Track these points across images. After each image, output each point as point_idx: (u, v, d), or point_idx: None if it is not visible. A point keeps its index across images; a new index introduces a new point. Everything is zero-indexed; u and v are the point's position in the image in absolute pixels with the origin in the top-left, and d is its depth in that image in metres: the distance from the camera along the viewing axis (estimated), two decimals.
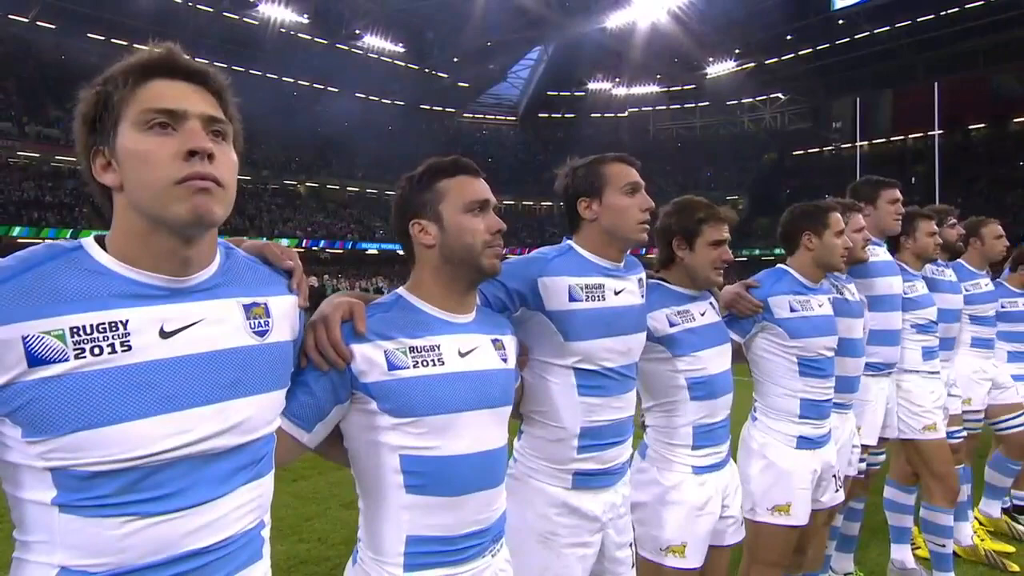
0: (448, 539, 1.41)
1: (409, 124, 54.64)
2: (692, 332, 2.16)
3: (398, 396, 1.37)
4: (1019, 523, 4.16)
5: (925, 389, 3.25)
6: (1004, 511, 4.25)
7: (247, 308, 1.14)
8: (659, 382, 2.19)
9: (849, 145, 44.57)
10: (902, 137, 46.26)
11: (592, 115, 63.20)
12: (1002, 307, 4.05)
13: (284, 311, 1.21)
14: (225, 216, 1.07)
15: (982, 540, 3.83)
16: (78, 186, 39.20)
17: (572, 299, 1.81)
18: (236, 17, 45.47)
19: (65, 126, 40.80)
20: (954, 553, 3.58)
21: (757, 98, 57.42)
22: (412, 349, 1.40)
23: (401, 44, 51.02)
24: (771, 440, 2.49)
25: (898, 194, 3.15)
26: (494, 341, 1.56)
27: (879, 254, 3.10)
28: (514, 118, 65.23)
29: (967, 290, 3.85)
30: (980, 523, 4.07)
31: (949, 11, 40.85)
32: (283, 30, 46.77)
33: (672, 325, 2.14)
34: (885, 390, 3.13)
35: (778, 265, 2.64)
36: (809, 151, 51.00)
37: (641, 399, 2.25)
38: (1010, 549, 3.81)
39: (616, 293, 1.89)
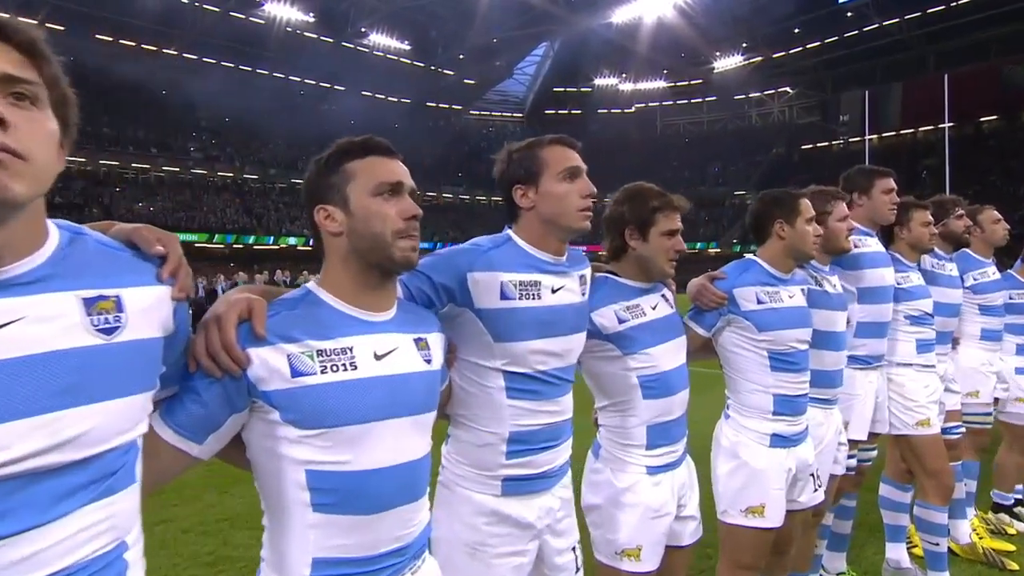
0: (361, 560, 1.25)
1: (415, 122, 54.65)
2: (642, 328, 2.05)
3: (303, 406, 1.21)
4: (1020, 519, 4.07)
5: (919, 383, 3.14)
6: (1004, 509, 4.14)
7: (89, 302, 0.96)
8: (610, 381, 2.08)
9: (858, 139, 44.22)
10: (912, 130, 45.86)
11: (599, 111, 63.05)
12: (1010, 299, 3.93)
13: (147, 304, 1.03)
14: (32, 194, 0.89)
15: (981, 538, 3.73)
16: (88, 186, 39.49)
17: (504, 297, 1.66)
18: (242, 16, 45.57)
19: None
20: (952, 552, 3.49)
21: (765, 92, 57.07)
22: (320, 352, 1.24)
23: (407, 42, 51.02)
24: (743, 438, 2.37)
25: (892, 183, 3.04)
26: (417, 340, 1.39)
27: (870, 245, 3.00)
28: (520, 115, 65.15)
29: (975, 279, 3.76)
30: (981, 519, 3.97)
31: (959, 2, 40.46)
32: (289, 29, 46.86)
33: (621, 322, 2.02)
34: (874, 383, 3.02)
35: (747, 255, 2.52)
36: (818, 145, 50.65)
37: (594, 398, 2.17)
38: (1010, 547, 3.69)
39: (553, 291, 1.75)
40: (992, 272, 3.84)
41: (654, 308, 2.12)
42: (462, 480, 1.74)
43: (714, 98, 59.79)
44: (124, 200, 39.77)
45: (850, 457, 2.91)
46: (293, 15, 44.54)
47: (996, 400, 3.92)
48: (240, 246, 39.62)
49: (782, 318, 2.35)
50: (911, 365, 3.16)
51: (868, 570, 3.48)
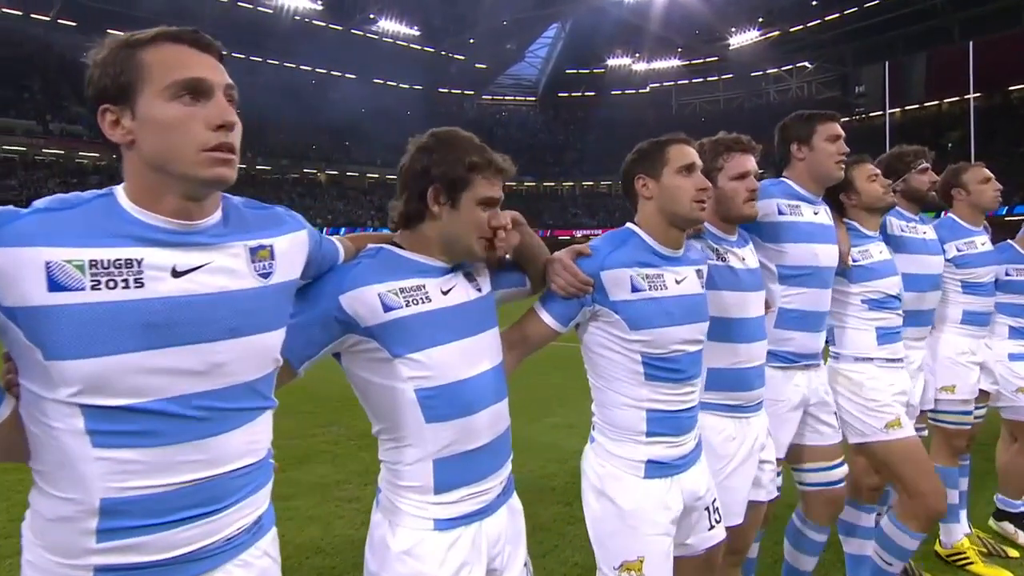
0: None
1: (428, 108, 54.21)
2: (425, 319, 1.45)
3: None
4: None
5: (882, 381, 2.56)
6: (1009, 516, 3.52)
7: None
8: (378, 396, 1.48)
9: (880, 113, 43.11)
10: (936, 102, 44.58)
11: (613, 92, 62.15)
12: (1007, 275, 3.30)
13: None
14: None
15: (972, 563, 3.16)
16: (102, 182, 39.72)
17: (56, 287, 1.01)
18: (250, 6, 45.37)
19: (88, 122, 41.38)
20: (939, 557, 3.16)
21: (783, 68, 55.81)
22: None
23: (416, 27, 50.51)
24: (612, 469, 1.82)
25: (838, 129, 2.44)
26: None
27: (803, 213, 2.41)
28: (533, 98, 64.46)
29: (959, 250, 3.13)
30: (975, 537, 3.35)
31: None
32: (297, 18, 46.59)
33: (389, 309, 1.42)
34: (801, 387, 2.42)
35: (628, 224, 1.92)
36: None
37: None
38: (1006, 575, 3.10)
39: (177, 274, 1.09)
40: (982, 242, 3.18)
41: (447, 292, 1.52)
42: (33, 571, 1.12)
43: (730, 75, 58.59)
44: None
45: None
46: (300, 3, 44.21)
47: (986, 394, 3.30)
48: None
49: (665, 312, 1.78)
50: (871, 360, 2.57)
51: None
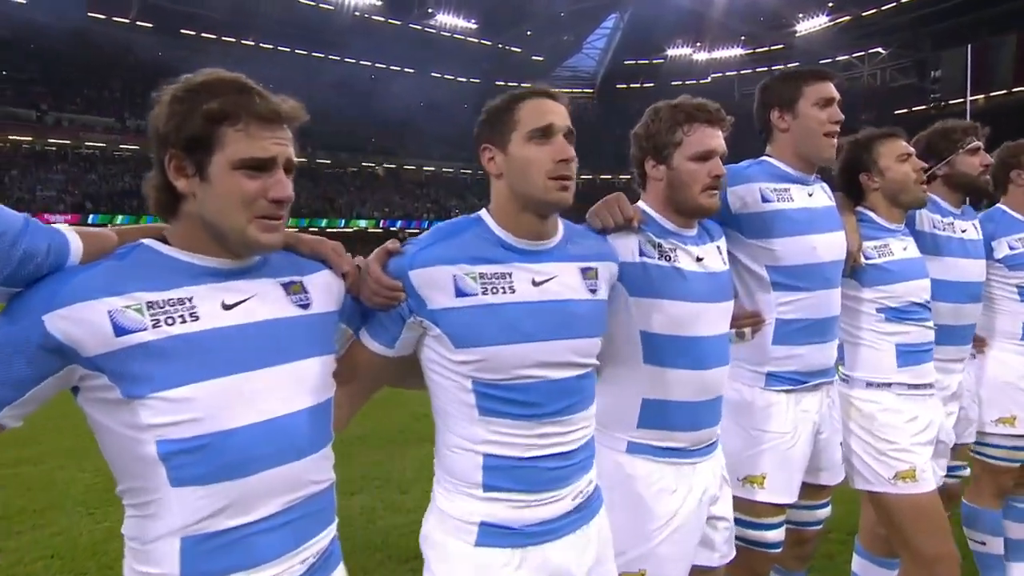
0: None
1: (484, 101, 53.81)
2: (182, 344, 1.04)
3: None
4: None
5: (901, 416, 2.08)
6: None
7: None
8: (115, 447, 1.07)
9: (960, 100, 40.53)
10: None
11: (672, 83, 60.79)
12: None
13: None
14: None
15: None
16: None
17: None
18: (312, 4, 46.53)
19: None
20: None
21: (854, 54, 53.25)
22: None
23: (473, 20, 50.68)
24: (439, 534, 1.38)
25: (831, 90, 1.96)
26: None
27: (793, 198, 1.94)
28: (591, 90, 63.73)
29: (1011, 248, 2.58)
30: None
31: None
32: (357, 13, 47.51)
33: (124, 332, 1.01)
34: (811, 414, 1.96)
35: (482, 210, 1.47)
36: (914, 109, 46.82)
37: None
38: None
39: None
40: None
41: (233, 306, 1.10)
42: None
43: (797, 64, 56.41)
44: None
45: (769, 528, 1.93)
46: None
47: None
48: (314, 230, 41.05)
49: (507, 324, 1.31)
50: (888, 386, 2.11)
51: None
